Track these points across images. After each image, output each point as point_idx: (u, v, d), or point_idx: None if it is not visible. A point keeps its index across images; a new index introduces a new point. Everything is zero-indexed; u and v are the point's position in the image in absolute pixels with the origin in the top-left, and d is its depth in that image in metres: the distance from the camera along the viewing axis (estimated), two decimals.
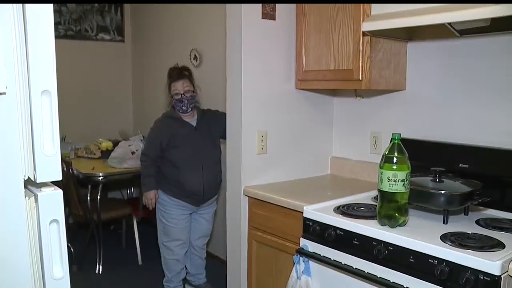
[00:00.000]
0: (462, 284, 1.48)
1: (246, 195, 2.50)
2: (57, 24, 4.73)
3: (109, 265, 3.91)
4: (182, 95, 3.04)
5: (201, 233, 3.31)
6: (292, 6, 2.55)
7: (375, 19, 2.08)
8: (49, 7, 0.97)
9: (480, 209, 2.02)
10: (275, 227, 2.33)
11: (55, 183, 1.06)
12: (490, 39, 2.11)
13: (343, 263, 1.86)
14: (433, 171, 1.94)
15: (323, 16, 2.40)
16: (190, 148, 3.05)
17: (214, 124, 3.12)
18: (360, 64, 2.22)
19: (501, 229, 1.76)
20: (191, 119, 3.13)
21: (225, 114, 2.90)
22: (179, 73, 3.13)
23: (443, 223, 1.82)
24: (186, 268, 3.34)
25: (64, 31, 4.87)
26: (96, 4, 5.10)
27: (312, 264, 2.00)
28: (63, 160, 3.41)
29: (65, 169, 3.56)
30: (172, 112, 3.15)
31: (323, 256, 1.95)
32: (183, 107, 3.06)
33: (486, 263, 1.44)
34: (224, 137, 2.89)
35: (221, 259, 3.79)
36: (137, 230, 4.03)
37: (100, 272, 3.82)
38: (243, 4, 2.38)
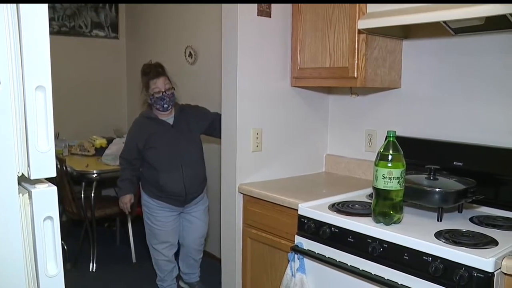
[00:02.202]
0: (456, 281, 1.49)
1: (241, 193, 2.50)
2: (51, 20, 4.70)
3: (103, 262, 3.90)
4: (164, 92, 2.93)
5: (196, 233, 3.20)
6: (288, 3, 2.55)
7: (370, 17, 2.08)
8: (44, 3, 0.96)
9: (474, 207, 2.04)
10: (270, 224, 2.33)
11: (49, 180, 1.06)
12: (485, 37, 2.12)
13: (338, 260, 1.86)
14: (428, 168, 1.95)
15: (319, 14, 2.40)
16: (167, 147, 2.94)
17: (193, 120, 3.03)
18: (356, 62, 2.23)
19: (495, 226, 1.77)
20: (168, 117, 3.02)
21: (205, 109, 3.07)
22: (157, 70, 3.00)
23: (438, 220, 1.83)
24: (178, 266, 3.31)
25: (58, 27, 4.84)
26: None
27: (307, 262, 2.01)
28: (57, 157, 3.39)
29: (58, 166, 3.54)
30: (148, 111, 3.04)
31: (318, 253, 1.95)
32: (165, 105, 2.94)
33: (480, 260, 1.45)
34: (205, 133, 2.95)
35: (216, 257, 3.79)
36: (131, 227, 4.03)
37: (94, 270, 3.81)
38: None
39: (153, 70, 2.98)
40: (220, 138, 2.62)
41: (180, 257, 3.29)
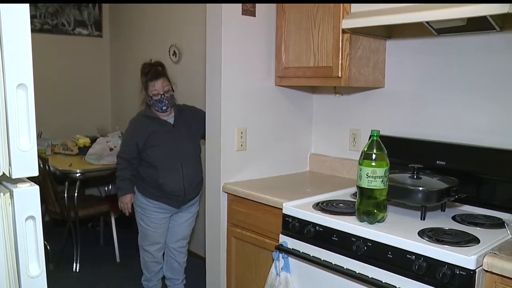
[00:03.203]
0: (439, 279, 1.51)
1: (226, 192, 2.50)
2: (33, 17, 4.64)
3: (87, 263, 3.87)
4: (162, 95, 2.85)
5: (179, 236, 3.11)
6: (273, 3, 2.55)
7: (354, 17, 2.10)
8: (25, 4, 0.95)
9: (456, 205, 2.06)
10: (255, 223, 2.34)
11: (31, 179, 1.04)
12: (467, 38, 2.14)
13: (322, 259, 1.87)
14: (411, 168, 1.97)
15: (303, 13, 2.40)
16: (168, 147, 2.88)
17: (194, 122, 2.97)
18: (340, 61, 2.24)
19: (476, 224, 1.79)
20: (169, 117, 2.96)
21: (202, 111, 2.86)
22: (157, 70, 2.91)
23: (421, 219, 1.85)
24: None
25: (40, 25, 4.78)
26: None
27: (292, 261, 2.01)
28: (40, 157, 3.34)
29: (41, 165, 3.50)
30: (147, 111, 2.97)
31: (302, 252, 1.96)
32: (163, 107, 2.88)
33: (462, 258, 1.47)
34: (204, 136, 2.79)
35: (200, 256, 3.78)
36: (115, 227, 3.99)
37: (78, 270, 3.77)
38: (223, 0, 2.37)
39: (152, 71, 2.89)
40: None
41: (164, 263, 3.19)
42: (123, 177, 2.99)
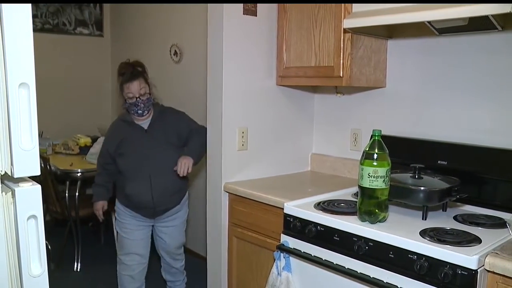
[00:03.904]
0: (440, 279, 1.51)
1: (227, 192, 2.50)
2: (33, 17, 4.61)
3: (88, 262, 3.87)
4: (138, 98, 2.64)
5: (169, 246, 2.92)
6: (274, 3, 2.55)
7: (356, 16, 2.09)
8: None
9: (458, 205, 2.06)
10: (256, 223, 2.33)
11: (33, 178, 1.04)
12: (468, 38, 2.14)
13: (323, 259, 1.87)
14: (413, 167, 1.97)
15: (304, 13, 2.40)
16: (136, 155, 2.68)
17: (172, 126, 2.74)
18: (341, 61, 2.23)
19: (478, 224, 1.79)
20: (144, 121, 2.73)
21: (189, 119, 2.84)
22: (133, 71, 2.69)
23: (422, 219, 1.85)
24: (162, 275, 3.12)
25: (41, 24, 4.78)
26: None
27: (293, 260, 2.01)
28: (41, 156, 3.33)
29: (42, 165, 3.50)
30: (126, 114, 2.77)
31: (303, 252, 1.96)
32: (139, 111, 2.66)
33: (464, 257, 1.47)
34: (180, 141, 2.74)
35: (201, 256, 3.78)
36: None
37: (79, 270, 3.78)
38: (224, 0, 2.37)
39: (128, 72, 2.68)
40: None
41: (162, 268, 3.09)
42: (96, 182, 2.91)
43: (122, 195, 2.77)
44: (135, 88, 2.64)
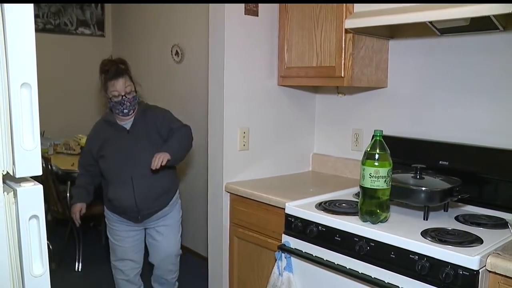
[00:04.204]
0: (442, 279, 1.50)
1: (228, 192, 2.50)
2: (35, 17, 4.62)
3: (89, 262, 3.87)
4: (123, 96, 2.50)
5: (162, 252, 2.73)
6: (276, 3, 2.55)
7: (357, 17, 2.09)
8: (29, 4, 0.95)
9: (459, 205, 2.06)
10: (257, 223, 2.33)
11: (35, 178, 1.04)
12: (470, 38, 2.14)
13: (325, 259, 1.87)
14: (414, 168, 1.97)
15: (305, 13, 2.40)
16: (117, 157, 2.54)
17: (155, 125, 2.58)
18: (343, 61, 2.23)
19: (479, 224, 1.79)
20: (127, 121, 2.59)
21: (173, 117, 2.66)
22: (118, 68, 2.55)
23: (424, 219, 1.85)
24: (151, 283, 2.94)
25: (43, 24, 4.79)
26: None
27: (294, 260, 2.01)
28: (42, 156, 3.34)
29: (44, 165, 3.50)
30: (108, 114, 2.64)
31: (305, 252, 1.96)
32: (125, 110, 2.53)
33: (465, 258, 1.46)
34: (160, 139, 2.57)
35: (202, 256, 3.78)
36: None
37: (80, 269, 3.78)
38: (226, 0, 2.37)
39: (112, 69, 2.53)
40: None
41: (152, 277, 2.89)
42: (77, 184, 2.76)
43: (106, 199, 2.65)
44: (120, 86, 2.50)
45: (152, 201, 2.59)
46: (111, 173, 2.56)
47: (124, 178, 2.53)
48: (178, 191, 2.77)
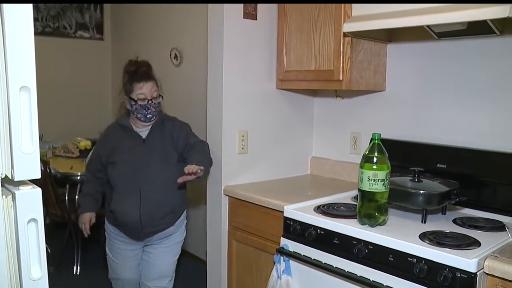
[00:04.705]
0: (440, 282, 1.51)
1: (227, 195, 2.50)
2: (34, 20, 4.60)
3: (87, 265, 3.86)
4: (150, 101, 2.34)
5: (153, 274, 2.50)
6: (274, 6, 2.56)
7: (356, 20, 2.10)
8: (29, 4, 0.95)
9: (457, 208, 2.06)
10: (256, 226, 2.34)
11: (33, 181, 1.04)
12: (467, 42, 2.15)
13: (323, 262, 1.87)
14: (412, 171, 1.97)
15: (304, 16, 2.41)
16: (129, 165, 2.34)
17: (169, 136, 2.40)
18: (341, 64, 2.24)
19: (477, 227, 1.80)
20: (144, 128, 2.41)
21: (186, 126, 2.48)
22: (146, 72, 2.39)
23: (422, 222, 1.85)
24: None
25: (42, 27, 4.79)
26: None
27: (293, 264, 2.01)
28: (41, 159, 3.33)
29: (42, 168, 3.50)
30: (123, 118, 2.46)
31: (303, 255, 1.96)
32: (148, 115, 2.35)
33: (463, 260, 1.47)
34: (177, 154, 2.38)
35: (201, 259, 3.77)
36: None
37: (78, 273, 3.77)
38: (225, 4, 2.38)
39: (140, 70, 2.38)
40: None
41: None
42: (85, 192, 2.52)
43: (108, 210, 2.44)
44: (148, 89, 2.34)
45: (158, 219, 2.38)
46: (119, 181, 2.36)
47: (131, 189, 2.33)
48: (186, 210, 2.56)
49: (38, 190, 1.02)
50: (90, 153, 2.51)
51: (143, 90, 2.34)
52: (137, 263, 2.53)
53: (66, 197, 3.71)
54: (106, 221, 2.51)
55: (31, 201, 1.00)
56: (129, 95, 2.37)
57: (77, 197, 3.68)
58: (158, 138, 2.39)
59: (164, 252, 2.48)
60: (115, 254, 2.50)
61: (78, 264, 3.80)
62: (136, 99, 2.33)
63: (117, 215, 2.36)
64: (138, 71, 2.38)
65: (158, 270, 2.49)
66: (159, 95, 2.40)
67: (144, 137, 2.39)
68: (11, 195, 0.99)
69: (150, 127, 2.40)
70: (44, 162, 3.54)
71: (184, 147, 2.40)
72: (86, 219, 2.45)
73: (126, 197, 2.34)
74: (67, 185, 3.74)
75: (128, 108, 2.39)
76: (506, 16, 1.55)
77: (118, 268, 2.51)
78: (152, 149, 2.37)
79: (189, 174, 2.16)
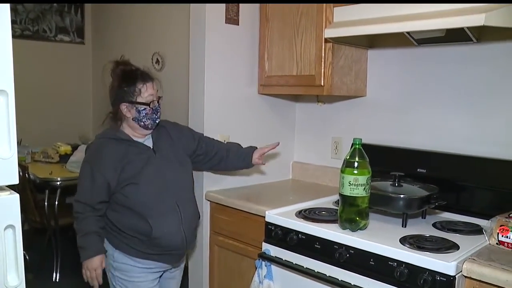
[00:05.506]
0: (420, 285, 1.52)
1: (208, 200, 2.49)
2: (12, 23, 4.56)
3: (67, 272, 3.80)
4: (157, 102, 2.04)
5: None
6: (256, 11, 2.57)
7: (337, 26, 2.12)
8: (5, 4, 0.94)
9: (436, 212, 2.09)
10: (237, 231, 2.33)
11: (11, 187, 1.03)
12: (446, 48, 2.19)
13: (305, 266, 1.88)
14: (393, 175, 1.99)
15: (286, 22, 2.42)
16: (155, 182, 1.99)
17: (176, 142, 2.15)
18: (322, 70, 2.26)
19: (456, 231, 1.83)
20: (144, 138, 2.07)
21: (188, 127, 2.33)
22: (146, 70, 2.06)
23: (402, 226, 1.87)
24: None
25: (21, 30, 4.73)
26: (55, 4, 4.97)
27: (274, 268, 2.01)
28: (19, 165, 3.28)
29: (21, 173, 3.44)
30: (113, 131, 2.04)
31: (285, 260, 1.96)
32: (157, 120, 2.04)
33: (442, 264, 1.49)
34: (189, 158, 2.20)
35: None
36: None
37: (58, 280, 3.71)
38: (207, 9, 2.38)
39: (139, 71, 2.03)
40: (222, 169, 2.42)
41: None
42: (87, 231, 1.98)
43: (137, 242, 1.98)
44: (155, 89, 2.04)
45: (193, 231, 2.13)
46: (149, 203, 1.96)
47: (168, 207, 2.00)
48: None
49: (16, 196, 1.00)
50: (82, 181, 2.01)
51: (153, 90, 2.02)
52: None
53: (46, 203, 3.66)
54: (125, 258, 2.02)
55: (8, 207, 0.99)
56: (132, 99, 1.97)
57: (56, 202, 3.65)
58: (164, 144, 2.11)
59: (178, 276, 2.26)
60: None
61: (58, 270, 3.74)
62: (148, 102, 1.98)
63: (162, 241, 1.97)
64: (139, 70, 2.04)
65: None
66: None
67: (151, 146, 2.08)
68: None
69: (150, 136, 2.09)
70: (22, 167, 3.48)
71: (198, 145, 2.24)
72: (97, 264, 1.97)
73: (165, 218, 1.99)
74: (47, 191, 3.68)
75: (131, 116, 1.99)
76: (482, 24, 1.58)
77: None
78: (165, 158, 2.07)
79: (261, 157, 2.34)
